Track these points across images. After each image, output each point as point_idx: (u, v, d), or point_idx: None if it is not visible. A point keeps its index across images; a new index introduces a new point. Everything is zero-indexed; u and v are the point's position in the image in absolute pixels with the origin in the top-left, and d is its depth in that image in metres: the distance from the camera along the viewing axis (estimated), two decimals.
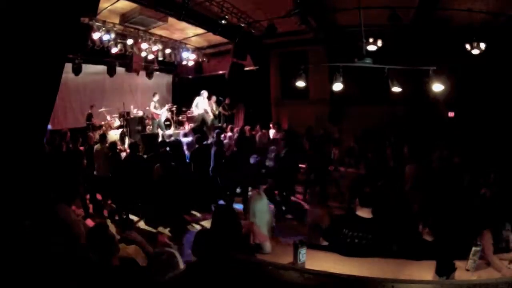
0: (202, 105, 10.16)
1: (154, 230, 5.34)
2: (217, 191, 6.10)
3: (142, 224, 5.57)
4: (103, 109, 9.21)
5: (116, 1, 6.77)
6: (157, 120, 9.93)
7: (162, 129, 9.85)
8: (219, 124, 10.66)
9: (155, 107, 9.91)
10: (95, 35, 7.77)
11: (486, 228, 2.76)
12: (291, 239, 3.17)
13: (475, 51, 6.84)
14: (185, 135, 7.67)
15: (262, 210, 3.10)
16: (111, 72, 10.10)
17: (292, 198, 6.29)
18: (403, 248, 2.85)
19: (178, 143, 7.00)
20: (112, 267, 1.87)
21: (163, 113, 10.23)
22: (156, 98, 10.02)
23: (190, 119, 10.76)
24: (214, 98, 10.75)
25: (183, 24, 8.13)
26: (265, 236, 2.98)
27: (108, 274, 1.84)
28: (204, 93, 10.25)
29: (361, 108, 9.00)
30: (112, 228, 5.34)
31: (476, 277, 2.44)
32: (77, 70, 9.00)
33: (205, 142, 6.73)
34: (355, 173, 7.90)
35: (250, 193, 5.48)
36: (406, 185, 4.82)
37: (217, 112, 10.84)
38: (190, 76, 12.83)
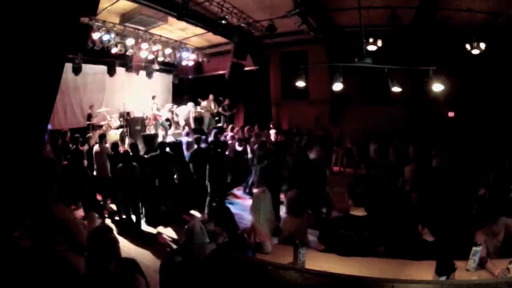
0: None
1: (154, 230, 5.34)
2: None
3: (142, 224, 5.57)
4: (103, 109, 9.21)
5: (116, 1, 6.78)
6: (159, 121, 9.94)
7: (166, 129, 9.86)
8: (220, 124, 10.67)
9: (157, 109, 9.93)
10: (95, 35, 7.78)
11: (479, 229, 2.77)
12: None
13: (475, 51, 6.85)
14: (187, 134, 7.67)
15: (266, 208, 3.11)
16: (111, 72, 10.11)
17: None
18: (403, 248, 2.85)
19: (177, 143, 7.00)
20: (110, 271, 1.85)
21: (164, 114, 10.25)
22: (156, 100, 10.04)
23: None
24: (211, 96, 10.75)
25: (183, 24, 8.12)
26: (266, 236, 2.97)
27: (106, 278, 1.82)
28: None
29: (361, 108, 9.01)
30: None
31: (476, 277, 2.44)
32: (77, 70, 9.01)
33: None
34: (355, 173, 7.93)
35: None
36: (406, 185, 4.82)
37: (215, 111, 10.82)
38: (190, 76, 12.84)
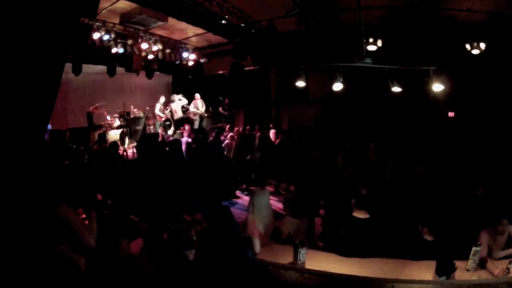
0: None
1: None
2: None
3: (141, 224, 5.57)
4: (103, 110, 9.21)
5: (116, 1, 6.77)
6: (159, 122, 9.93)
7: (166, 129, 9.83)
8: (220, 124, 10.64)
9: (160, 109, 9.91)
10: (95, 35, 7.76)
11: (483, 228, 2.78)
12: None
13: (475, 51, 6.84)
14: (187, 135, 7.67)
15: (261, 204, 3.12)
16: (111, 72, 10.10)
17: None
18: (403, 248, 2.85)
19: (176, 141, 7.00)
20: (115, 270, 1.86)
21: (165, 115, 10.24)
22: (162, 100, 10.02)
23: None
24: (198, 96, 10.42)
25: (183, 24, 8.12)
26: (257, 232, 2.92)
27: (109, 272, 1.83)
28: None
29: (360, 108, 9.00)
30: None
31: (476, 277, 2.44)
32: (77, 70, 8.99)
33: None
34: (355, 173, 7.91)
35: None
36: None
37: (202, 110, 10.50)
38: (190, 76, 12.83)
